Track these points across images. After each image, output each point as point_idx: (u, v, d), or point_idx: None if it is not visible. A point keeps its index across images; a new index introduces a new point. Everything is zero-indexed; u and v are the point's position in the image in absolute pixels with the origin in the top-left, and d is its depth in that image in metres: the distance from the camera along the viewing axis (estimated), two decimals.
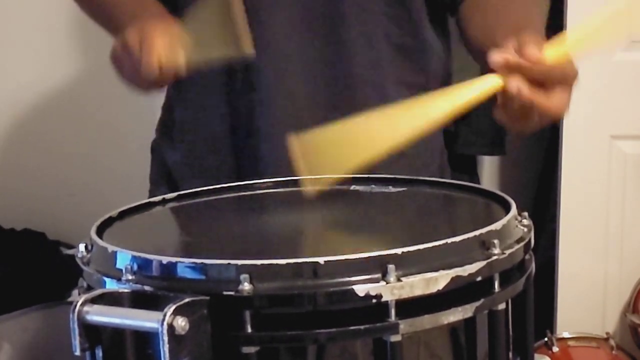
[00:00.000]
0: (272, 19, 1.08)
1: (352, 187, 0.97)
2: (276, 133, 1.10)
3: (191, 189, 0.98)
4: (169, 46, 0.97)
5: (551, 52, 0.84)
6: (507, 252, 0.71)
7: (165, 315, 0.60)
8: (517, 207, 0.79)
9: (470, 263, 0.68)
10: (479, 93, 0.85)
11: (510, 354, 0.75)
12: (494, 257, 0.69)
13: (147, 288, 0.66)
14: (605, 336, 1.79)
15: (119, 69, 1.03)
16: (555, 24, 1.79)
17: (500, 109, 0.88)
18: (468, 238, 0.69)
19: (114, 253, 0.71)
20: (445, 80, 1.22)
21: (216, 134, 1.14)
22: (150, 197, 1.09)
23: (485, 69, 0.90)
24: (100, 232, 0.81)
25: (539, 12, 1.10)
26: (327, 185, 0.89)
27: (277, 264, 0.65)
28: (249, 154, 1.13)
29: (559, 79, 0.85)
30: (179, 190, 1.00)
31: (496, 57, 0.84)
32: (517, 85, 0.83)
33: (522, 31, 0.89)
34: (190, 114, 1.16)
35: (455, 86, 0.87)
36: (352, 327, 0.64)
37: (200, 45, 0.98)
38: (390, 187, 0.95)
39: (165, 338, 0.60)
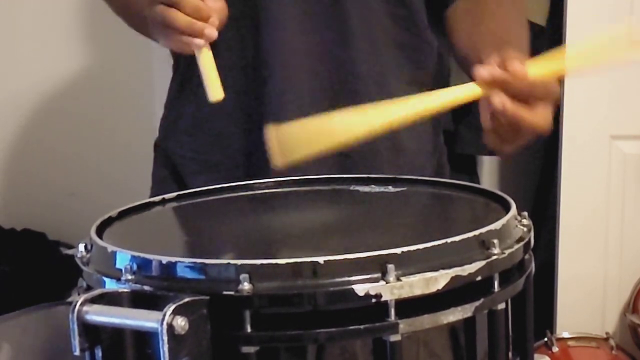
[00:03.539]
0: (280, 17, 1.10)
1: (352, 187, 0.97)
2: None
3: (198, 184, 0.99)
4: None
5: (534, 69, 0.85)
6: (507, 252, 0.71)
7: (164, 315, 0.60)
8: (517, 207, 0.79)
9: (470, 263, 0.68)
10: (457, 98, 0.87)
11: (510, 354, 0.75)
12: (494, 257, 0.69)
13: (146, 288, 0.66)
14: (605, 336, 1.79)
15: (166, 23, 0.96)
16: (554, 40, 1.79)
17: (488, 132, 0.90)
18: (468, 238, 0.69)
19: (114, 253, 0.71)
20: (445, 77, 1.24)
21: (225, 129, 1.14)
22: (153, 195, 1.09)
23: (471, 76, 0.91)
24: (99, 232, 0.81)
25: (522, 26, 1.12)
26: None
27: (276, 264, 0.65)
28: (257, 150, 1.13)
29: (542, 94, 0.87)
30: (185, 186, 1.00)
31: (482, 71, 0.86)
32: (501, 100, 0.85)
33: (505, 46, 0.90)
34: (199, 110, 1.16)
35: (437, 91, 0.89)
36: (351, 327, 0.64)
37: None
38: (390, 187, 0.95)
39: (165, 338, 0.60)
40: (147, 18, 1.00)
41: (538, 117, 0.87)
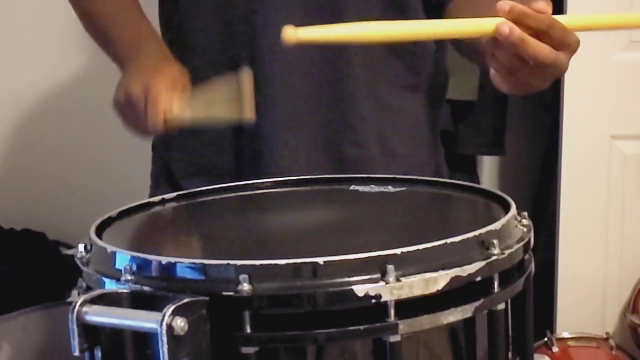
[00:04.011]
0: (275, 20, 1.09)
1: (352, 187, 0.97)
2: (278, 133, 1.11)
3: (192, 187, 0.99)
4: (173, 100, 1.01)
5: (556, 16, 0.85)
6: (507, 252, 0.71)
7: (164, 316, 0.60)
8: (517, 207, 0.79)
9: (470, 263, 0.68)
10: (475, 28, 0.86)
11: (510, 354, 0.75)
12: (494, 257, 0.69)
13: (146, 288, 0.66)
14: (605, 336, 1.79)
15: (123, 118, 1.07)
16: None
17: (492, 57, 0.88)
18: (467, 238, 0.69)
19: (113, 253, 0.71)
20: (442, 81, 1.23)
21: (219, 133, 1.14)
22: (150, 195, 1.09)
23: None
24: (99, 232, 0.81)
25: None
26: None
27: (276, 264, 0.65)
28: (251, 153, 1.13)
29: (560, 36, 0.85)
30: (180, 189, 1.01)
31: (502, 3, 0.84)
32: (510, 25, 0.83)
33: None
34: None
35: (454, 19, 0.88)
36: (351, 328, 0.64)
37: (205, 104, 1.02)
38: (390, 187, 0.95)
39: (164, 338, 0.60)
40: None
41: (548, 50, 0.85)
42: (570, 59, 0.88)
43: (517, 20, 0.83)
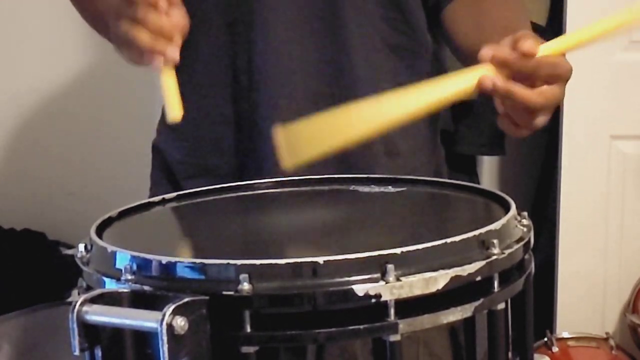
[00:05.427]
0: (274, 20, 1.09)
1: (352, 187, 0.97)
2: None
3: (193, 188, 0.99)
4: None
5: (544, 49, 0.84)
6: (507, 252, 0.71)
7: (164, 315, 0.60)
8: (517, 207, 0.79)
9: (470, 263, 0.68)
10: (462, 86, 0.85)
11: (510, 354, 0.75)
12: (494, 257, 0.69)
13: (146, 288, 0.66)
14: (605, 336, 1.79)
15: (130, 37, 0.96)
16: (554, 29, 1.79)
17: (501, 116, 0.89)
18: (467, 238, 0.69)
19: (114, 253, 0.71)
20: None
21: (219, 133, 1.14)
22: (151, 196, 1.09)
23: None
24: (99, 232, 0.81)
25: (524, 13, 1.12)
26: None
27: (276, 264, 0.65)
28: (252, 154, 1.13)
29: (549, 72, 0.85)
30: (181, 189, 1.01)
31: (485, 50, 0.85)
32: (490, 78, 0.83)
33: (515, 31, 0.89)
34: (193, 113, 1.16)
35: (439, 78, 0.87)
36: (351, 327, 0.64)
37: None
38: (390, 187, 0.95)
39: (165, 338, 0.60)
40: (110, 30, 1.00)
41: (537, 95, 0.85)
42: (565, 87, 0.88)
43: (501, 67, 0.83)
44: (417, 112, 0.86)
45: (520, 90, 0.84)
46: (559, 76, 0.86)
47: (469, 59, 1.10)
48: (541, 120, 0.89)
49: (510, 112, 0.88)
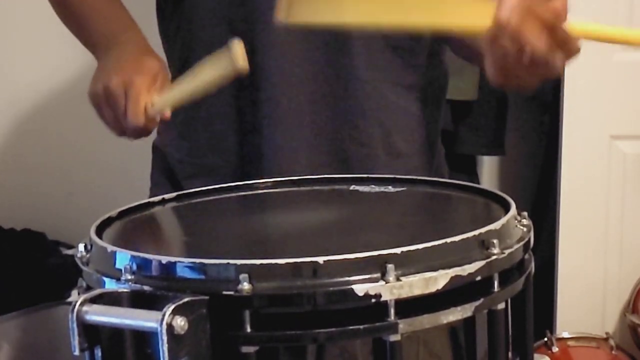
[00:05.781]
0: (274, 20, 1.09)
1: (352, 187, 0.97)
2: (279, 132, 1.11)
3: (194, 187, 0.99)
4: (154, 94, 1.00)
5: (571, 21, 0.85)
6: (507, 251, 0.71)
7: (164, 315, 0.60)
8: (517, 207, 0.79)
9: (470, 263, 0.68)
10: (478, 14, 0.84)
11: (510, 354, 0.75)
12: (494, 257, 0.69)
13: (146, 288, 0.66)
14: (605, 336, 1.79)
15: (98, 112, 1.07)
16: None
17: (488, 51, 0.87)
18: (467, 238, 0.69)
19: (113, 253, 0.71)
20: (442, 81, 1.23)
21: (220, 133, 1.14)
22: (151, 196, 1.09)
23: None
24: (99, 232, 0.81)
25: None
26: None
27: (276, 264, 0.65)
28: (253, 153, 1.13)
29: (561, 35, 0.84)
30: (181, 189, 1.01)
31: None
32: (510, 13, 0.82)
33: None
34: (194, 113, 1.16)
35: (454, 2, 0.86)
36: (351, 327, 0.64)
37: (190, 80, 0.98)
38: (390, 187, 0.95)
39: (165, 338, 0.60)
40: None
41: (544, 45, 0.84)
42: (565, 64, 0.87)
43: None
44: (424, 23, 0.85)
45: (531, 35, 0.83)
46: (568, 47, 0.86)
47: (471, 54, 1.10)
48: (529, 80, 0.89)
49: (507, 59, 0.86)
